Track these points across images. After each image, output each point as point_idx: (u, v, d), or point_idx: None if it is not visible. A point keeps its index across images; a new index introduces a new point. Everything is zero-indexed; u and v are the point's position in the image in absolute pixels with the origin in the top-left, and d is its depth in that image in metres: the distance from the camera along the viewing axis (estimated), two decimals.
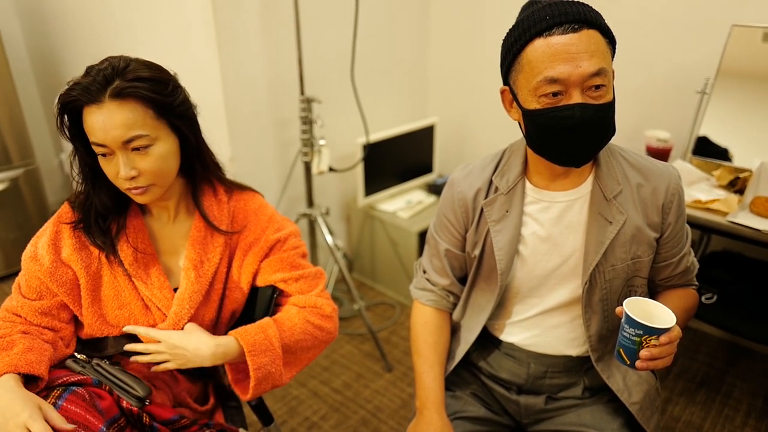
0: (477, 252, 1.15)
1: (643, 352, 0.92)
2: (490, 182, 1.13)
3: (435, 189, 2.79)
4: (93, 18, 2.55)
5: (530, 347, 1.18)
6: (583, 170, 1.07)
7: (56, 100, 0.97)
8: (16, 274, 2.76)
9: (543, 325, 1.16)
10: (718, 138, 1.92)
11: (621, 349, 0.95)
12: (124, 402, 1.00)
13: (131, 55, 1.00)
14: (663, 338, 0.90)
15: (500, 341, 1.22)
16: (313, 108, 2.13)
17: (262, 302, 1.18)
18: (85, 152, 1.01)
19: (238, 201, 1.16)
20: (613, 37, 0.96)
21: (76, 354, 1.07)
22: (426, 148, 2.77)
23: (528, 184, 1.11)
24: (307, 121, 2.13)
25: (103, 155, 0.98)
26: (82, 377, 1.00)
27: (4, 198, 2.65)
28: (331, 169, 2.26)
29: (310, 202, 2.30)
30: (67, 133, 0.99)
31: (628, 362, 0.95)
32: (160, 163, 1.00)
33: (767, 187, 1.76)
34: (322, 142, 2.18)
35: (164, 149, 1.00)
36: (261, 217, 1.16)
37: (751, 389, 2.06)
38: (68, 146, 1.03)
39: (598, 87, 0.93)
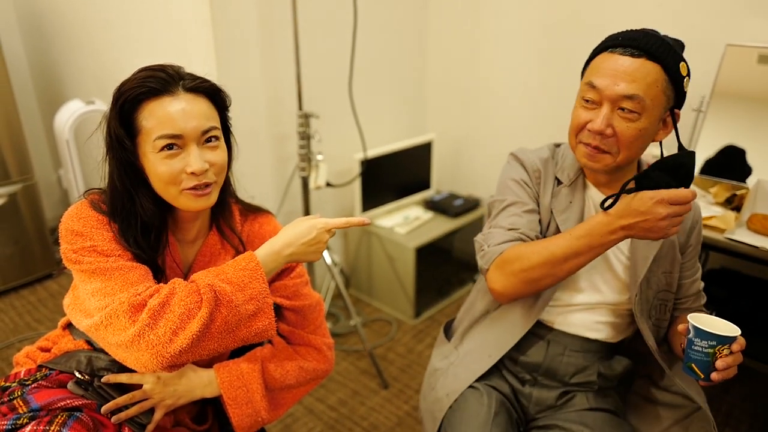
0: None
1: (719, 363, 0.95)
2: (555, 178, 1.21)
3: (432, 205, 2.79)
4: (93, 34, 2.57)
5: (553, 324, 1.24)
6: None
7: (117, 92, 0.94)
8: (12, 290, 2.77)
9: (571, 310, 1.22)
10: (729, 161, 1.92)
11: (692, 364, 0.97)
12: (126, 429, 0.99)
13: (128, 72, 1.00)
14: (735, 346, 0.95)
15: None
16: (311, 123, 2.14)
17: None
18: (132, 152, 0.95)
19: (253, 224, 1.16)
20: (680, 79, 1.03)
21: (77, 374, 1.04)
22: (424, 165, 2.78)
23: (588, 182, 1.19)
24: (305, 136, 2.14)
25: (170, 147, 0.93)
26: (85, 401, 0.98)
27: (2, 213, 2.64)
28: (328, 184, 2.26)
29: None
30: (121, 128, 0.94)
31: (702, 376, 0.97)
32: (226, 158, 1.01)
33: (764, 204, 1.77)
34: (319, 157, 2.18)
35: (225, 150, 1.02)
36: None
37: (752, 409, 2.04)
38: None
39: (628, 110, 1.02)
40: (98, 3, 2.46)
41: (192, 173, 0.94)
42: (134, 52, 2.39)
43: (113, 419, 1.00)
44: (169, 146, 0.93)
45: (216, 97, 1.00)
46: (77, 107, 2.52)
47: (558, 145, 1.26)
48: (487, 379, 1.26)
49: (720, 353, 0.95)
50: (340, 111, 2.37)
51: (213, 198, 1.00)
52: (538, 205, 1.20)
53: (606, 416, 1.21)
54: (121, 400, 1.01)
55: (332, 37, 2.38)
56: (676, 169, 0.96)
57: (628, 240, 1.16)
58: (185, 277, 1.08)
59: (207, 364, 1.11)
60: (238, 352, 1.15)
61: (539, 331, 1.24)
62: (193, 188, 0.96)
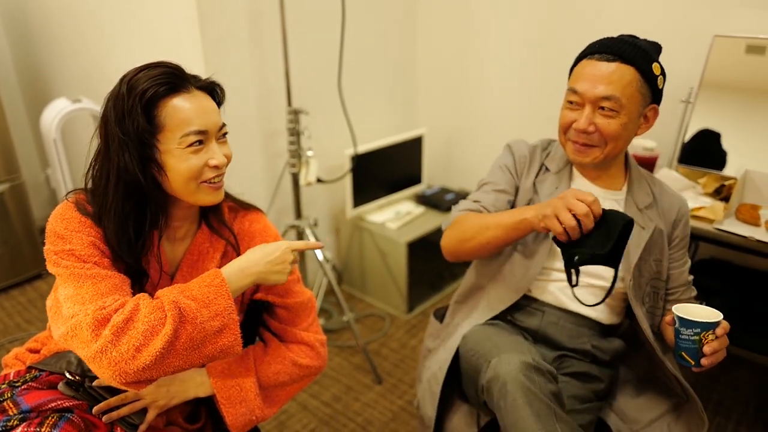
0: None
1: (707, 348, 1.00)
2: (541, 164, 1.33)
3: (424, 200, 2.79)
4: (78, 32, 2.55)
5: (546, 300, 1.30)
6: (616, 179, 1.30)
7: (134, 91, 0.91)
8: (1, 290, 2.74)
9: (565, 286, 1.28)
10: (703, 145, 1.93)
11: (683, 353, 1.03)
12: (118, 429, 0.98)
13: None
14: (719, 330, 1.01)
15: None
16: (300, 119, 2.13)
17: (251, 315, 1.18)
18: (153, 148, 0.95)
19: (242, 222, 1.16)
20: (653, 78, 1.15)
21: (68, 375, 1.03)
22: (415, 159, 2.78)
23: (576, 172, 1.30)
24: (295, 133, 2.13)
25: (198, 143, 0.95)
26: (76, 402, 0.97)
27: None
28: (319, 180, 2.25)
29: (299, 214, 2.29)
30: (147, 124, 0.92)
31: (693, 363, 1.03)
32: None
33: (752, 194, 1.78)
34: (309, 153, 2.17)
35: None
36: (266, 239, 1.16)
37: (742, 397, 2.06)
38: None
39: (608, 109, 1.15)
40: (83, 1, 2.43)
41: (215, 166, 0.98)
42: (120, 50, 2.37)
43: (104, 419, 0.99)
44: (198, 142, 0.95)
45: (215, 94, 1.03)
46: (64, 105, 2.49)
47: (553, 141, 1.38)
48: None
49: (706, 339, 1.00)
50: (330, 106, 2.36)
51: (223, 191, 1.04)
52: (517, 188, 1.33)
53: (591, 386, 1.26)
54: (113, 400, 1.01)
55: (321, 33, 2.36)
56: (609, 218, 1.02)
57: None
58: (173, 276, 1.08)
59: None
60: None
61: (533, 304, 1.30)
62: (211, 181, 0.99)
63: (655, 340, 1.23)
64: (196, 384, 1.07)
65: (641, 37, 1.22)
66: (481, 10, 2.59)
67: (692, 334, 1.00)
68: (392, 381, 2.18)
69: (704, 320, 1.00)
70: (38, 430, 0.89)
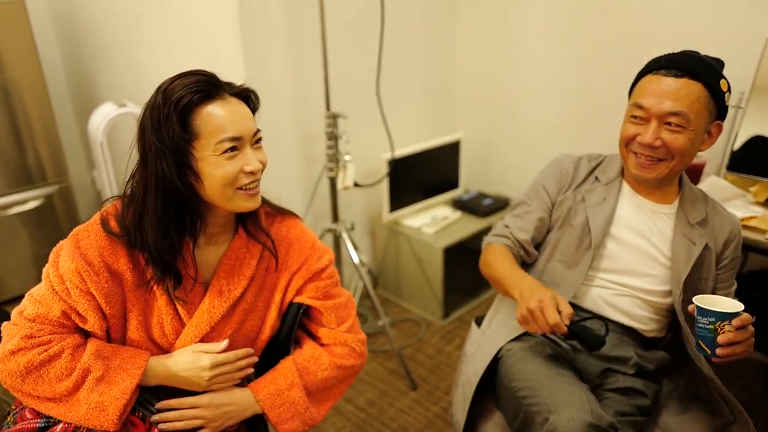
0: (570, 222, 1.31)
1: (720, 338, 1.00)
2: (590, 173, 1.35)
3: (461, 205, 2.77)
4: (123, 39, 2.62)
5: (590, 307, 1.30)
6: (668, 195, 1.29)
7: (169, 99, 0.92)
8: None
9: (610, 293, 1.28)
10: (754, 153, 1.86)
11: (700, 341, 1.04)
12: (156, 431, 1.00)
13: (157, 75, 1.00)
14: (735, 322, 1.00)
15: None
16: (338, 123, 2.14)
17: (289, 318, 1.18)
18: (190, 155, 0.95)
19: (279, 228, 1.16)
20: (721, 95, 1.15)
21: None
22: (452, 164, 2.76)
23: (626, 185, 1.31)
24: (333, 137, 2.14)
25: (233, 149, 0.95)
26: None
27: (39, 214, 2.71)
28: (356, 185, 2.26)
29: (335, 218, 2.30)
30: (183, 132, 0.92)
31: (709, 351, 1.03)
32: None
33: None
34: (347, 157, 2.18)
35: None
36: (304, 244, 1.16)
37: None
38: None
39: (675, 125, 1.14)
40: (128, 8, 2.50)
41: (250, 172, 0.98)
42: (163, 55, 2.43)
43: (158, 418, 1.01)
44: (232, 148, 0.95)
45: (249, 101, 1.03)
46: (110, 110, 2.56)
47: (603, 155, 1.40)
48: (525, 341, 1.28)
49: (721, 329, 1.00)
50: (368, 111, 2.37)
51: (260, 197, 1.04)
52: (553, 205, 1.35)
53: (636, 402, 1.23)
54: (173, 415, 1.03)
55: (360, 37, 2.37)
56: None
57: (669, 241, 1.25)
58: (209, 282, 1.08)
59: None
60: (269, 364, 1.15)
61: (576, 311, 1.27)
62: (247, 188, 0.99)
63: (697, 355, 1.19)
64: (252, 403, 1.08)
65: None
66: (519, 14, 2.56)
67: (708, 323, 1.01)
68: (427, 387, 2.16)
69: (719, 309, 1.00)
70: (78, 428, 0.92)
